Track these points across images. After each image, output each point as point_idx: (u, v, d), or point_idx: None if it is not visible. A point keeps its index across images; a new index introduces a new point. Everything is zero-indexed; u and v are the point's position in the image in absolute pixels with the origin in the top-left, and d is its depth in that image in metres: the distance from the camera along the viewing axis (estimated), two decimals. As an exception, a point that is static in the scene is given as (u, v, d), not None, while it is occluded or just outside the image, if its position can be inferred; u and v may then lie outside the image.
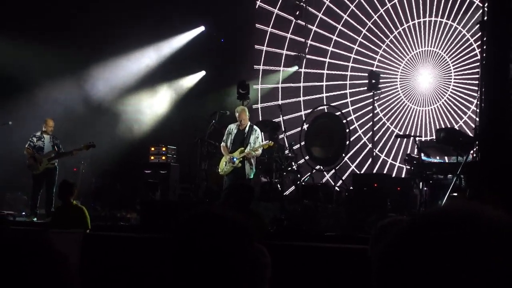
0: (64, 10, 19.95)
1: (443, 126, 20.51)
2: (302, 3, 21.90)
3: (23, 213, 17.15)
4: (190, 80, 23.08)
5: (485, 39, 11.45)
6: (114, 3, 20.06)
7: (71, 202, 11.59)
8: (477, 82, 14.14)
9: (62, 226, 10.99)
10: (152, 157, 19.51)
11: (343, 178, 17.58)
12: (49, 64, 19.75)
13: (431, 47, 21.81)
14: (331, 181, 19.82)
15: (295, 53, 22.58)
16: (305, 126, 17.95)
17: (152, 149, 19.60)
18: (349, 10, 22.68)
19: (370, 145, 19.69)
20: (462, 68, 21.17)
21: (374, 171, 18.62)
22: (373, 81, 17.81)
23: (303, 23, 22.31)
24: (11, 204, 18.29)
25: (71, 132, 18.29)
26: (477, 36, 19.67)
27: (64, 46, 19.64)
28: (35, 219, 15.65)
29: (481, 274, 1.36)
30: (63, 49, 19.62)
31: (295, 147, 17.74)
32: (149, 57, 22.19)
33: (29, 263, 2.10)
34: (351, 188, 15.74)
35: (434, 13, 21.70)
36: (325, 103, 21.78)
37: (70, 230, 10.74)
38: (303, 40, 22.61)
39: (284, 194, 17.01)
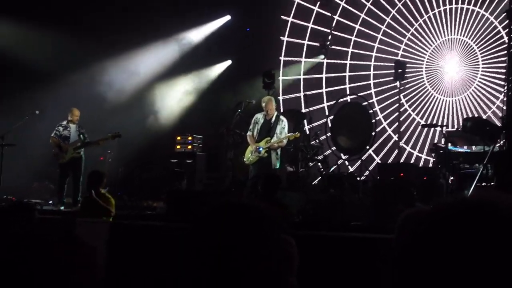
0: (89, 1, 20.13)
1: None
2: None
3: (50, 202, 17.28)
4: (216, 70, 23.07)
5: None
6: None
7: (100, 191, 11.66)
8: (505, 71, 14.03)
9: (91, 216, 11.07)
10: (178, 146, 19.52)
11: (370, 168, 17.54)
12: (77, 54, 19.88)
13: (458, 35, 21.51)
14: (351, 170, 19.72)
15: (318, 43, 22.32)
16: (331, 116, 17.89)
17: (178, 138, 19.61)
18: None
19: (395, 137, 19.60)
20: (491, 57, 20.80)
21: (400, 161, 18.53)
22: (399, 70, 17.59)
23: (329, 14, 22.15)
24: (38, 193, 18.42)
25: (97, 121, 18.36)
26: (505, 23, 19.39)
27: (89, 36, 19.75)
28: (62, 207, 15.75)
29: (499, 265, 1.35)
30: (89, 39, 19.73)
31: (321, 138, 17.68)
32: (175, 46, 22.23)
33: (57, 251, 2.11)
34: (377, 178, 15.70)
35: (461, -1, 21.42)
36: (348, 94, 21.68)
37: (97, 220, 10.81)
38: (327, 30, 22.42)
39: (310, 184, 16.97)
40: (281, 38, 22.97)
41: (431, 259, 1.41)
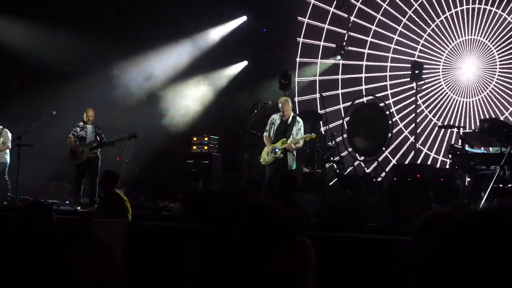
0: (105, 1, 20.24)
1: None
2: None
3: (67, 202, 17.33)
4: (233, 70, 23.09)
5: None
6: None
7: (115, 192, 11.68)
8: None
9: (107, 216, 11.08)
10: (194, 147, 19.53)
11: (386, 169, 17.49)
12: (93, 55, 19.95)
13: (475, 35, 21.37)
14: (367, 171, 19.64)
15: (334, 45, 22.20)
16: (347, 118, 17.84)
17: (195, 139, 19.62)
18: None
19: (412, 138, 19.52)
20: (508, 57, 20.69)
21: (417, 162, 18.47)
22: (416, 71, 17.50)
23: (345, 15, 22.01)
24: (55, 193, 18.50)
25: (114, 122, 18.41)
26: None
27: (105, 37, 19.83)
28: (78, 208, 15.79)
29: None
30: (104, 40, 19.81)
31: (337, 139, 17.64)
32: (191, 47, 22.26)
33: (74, 252, 2.11)
34: (393, 179, 15.66)
35: (478, -1, 21.28)
36: (365, 95, 21.60)
37: (113, 220, 10.83)
38: (343, 31, 22.28)
39: (327, 184, 16.93)
40: (298, 39, 22.93)
41: (449, 264, 1.41)
